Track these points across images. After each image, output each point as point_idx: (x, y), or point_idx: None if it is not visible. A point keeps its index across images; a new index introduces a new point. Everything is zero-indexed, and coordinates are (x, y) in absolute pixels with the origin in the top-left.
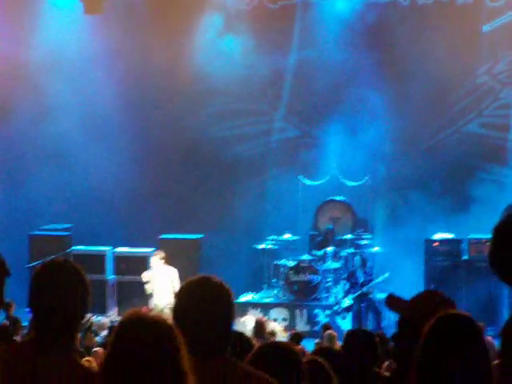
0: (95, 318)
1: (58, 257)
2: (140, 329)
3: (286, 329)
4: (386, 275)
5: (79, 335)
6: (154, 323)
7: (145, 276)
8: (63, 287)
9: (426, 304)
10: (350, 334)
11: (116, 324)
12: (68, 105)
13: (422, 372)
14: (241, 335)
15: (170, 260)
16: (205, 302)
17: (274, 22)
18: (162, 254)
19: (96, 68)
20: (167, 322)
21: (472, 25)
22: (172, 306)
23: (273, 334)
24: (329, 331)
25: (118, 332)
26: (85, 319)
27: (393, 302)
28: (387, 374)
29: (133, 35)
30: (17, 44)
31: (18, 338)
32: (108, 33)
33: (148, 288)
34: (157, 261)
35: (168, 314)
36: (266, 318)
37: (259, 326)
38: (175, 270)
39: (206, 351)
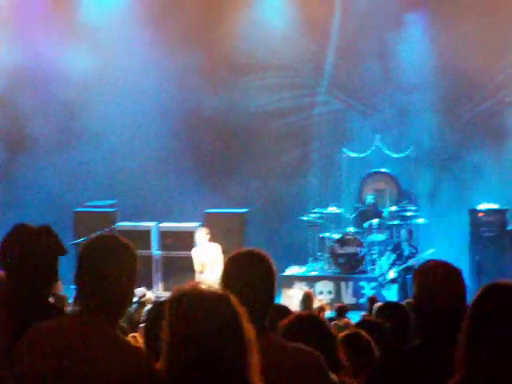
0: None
1: (105, 232)
2: (200, 301)
3: (331, 303)
4: (432, 251)
5: (130, 310)
6: (213, 295)
7: (193, 252)
8: (113, 262)
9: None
10: (380, 308)
11: (171, 298)
12: (108, 85)
13: (474, 343)
14: (285, 309)
15: (215, 234)
16: (248, 272)
17: None
18: (206, 229)
19: (136, 48)
20: (227, 294)
21: None
22: (219, 281)
23: (322, 309)
24: (379, 304)
25: (178, 305)
26: (141, 294)
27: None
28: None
29: (174, 12)
30: (57, 29)
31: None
32: (149, 13)
33: (196, 264)
34: (202, 237)
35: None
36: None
37: (307, 300)
38: (218, 245)
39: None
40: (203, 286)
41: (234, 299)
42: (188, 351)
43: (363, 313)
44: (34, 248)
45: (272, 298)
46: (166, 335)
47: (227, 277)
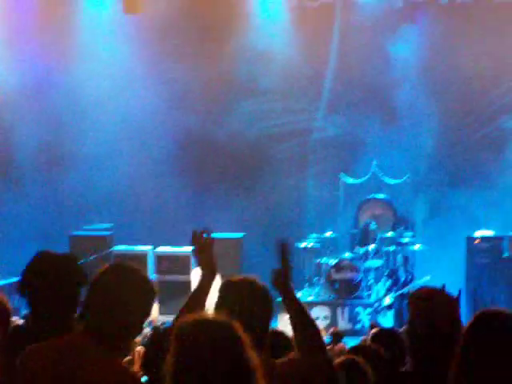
0: None
1: (121, 260)
2: (203, 329)
3: (326, 329)
4: (428, 278)
5: None
6: (216, 322)
7: (193, 275)
8: (124, 292)
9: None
10: (375, 334)
11: (177, 327)
12: (105, 106)
13: (465, 370)
14: (280, 333)
15: None
16: (243, 299)
17: (314, 20)
18: None
19: (134, 69)
20: (229, 321)
21: None
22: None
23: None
24: (373, 330)
25: (181, 334)
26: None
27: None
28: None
29: (173, 36)
30: (51, 48)
31: None
32: (147, 34)
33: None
34: None
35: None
36: None
37: None
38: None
39: None
40: (207, 315)
41: (236, 326)
42: (192, 380)
43: (362, 337)
44: (57, 276)
45: (268, 324)
46: (170, 364)
47: (222, 303)
